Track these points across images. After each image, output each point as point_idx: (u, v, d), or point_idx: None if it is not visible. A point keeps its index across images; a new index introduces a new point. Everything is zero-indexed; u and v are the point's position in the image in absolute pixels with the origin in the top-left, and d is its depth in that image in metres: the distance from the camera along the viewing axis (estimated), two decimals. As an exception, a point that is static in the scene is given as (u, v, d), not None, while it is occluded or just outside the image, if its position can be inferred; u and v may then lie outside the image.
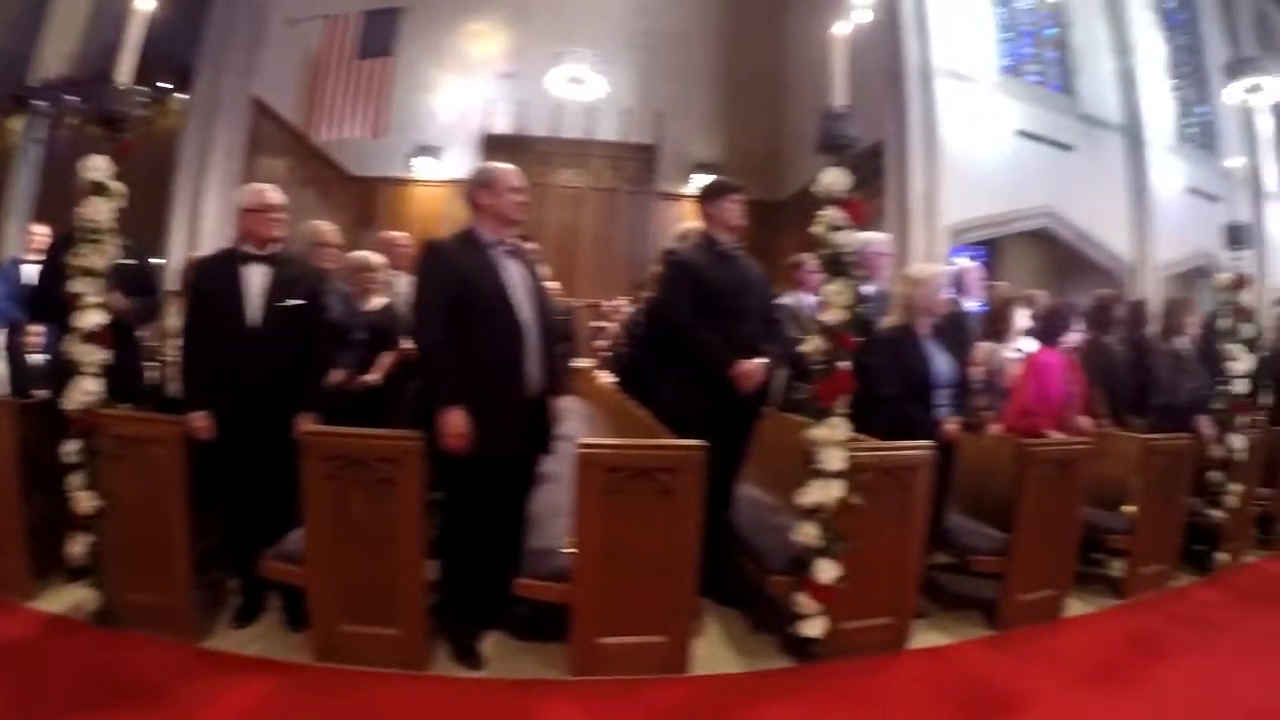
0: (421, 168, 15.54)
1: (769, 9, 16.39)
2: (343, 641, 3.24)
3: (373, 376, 4.84)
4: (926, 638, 3.90)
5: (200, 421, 3.36)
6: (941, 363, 4.17)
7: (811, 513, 3.39)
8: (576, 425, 6.97)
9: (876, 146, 12.26)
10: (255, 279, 3.55)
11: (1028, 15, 14.55)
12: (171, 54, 10.56)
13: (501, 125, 15.86)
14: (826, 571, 3.38)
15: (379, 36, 12.63)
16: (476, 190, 3.38)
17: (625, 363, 6.17)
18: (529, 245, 3.77)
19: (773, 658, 3.57)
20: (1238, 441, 5.36)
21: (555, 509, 3.70)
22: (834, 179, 3.42)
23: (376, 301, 5.06)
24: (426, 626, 3.29)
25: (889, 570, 3.65)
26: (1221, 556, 5.38)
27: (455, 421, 3.09)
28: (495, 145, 15.16)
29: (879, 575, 3.62)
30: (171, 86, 11.26)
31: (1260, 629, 4.46)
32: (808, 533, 3.39)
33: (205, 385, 3.46)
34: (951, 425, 4.10)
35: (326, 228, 4.85)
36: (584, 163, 16.20)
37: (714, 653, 3.56)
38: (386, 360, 4.92)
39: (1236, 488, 5.36)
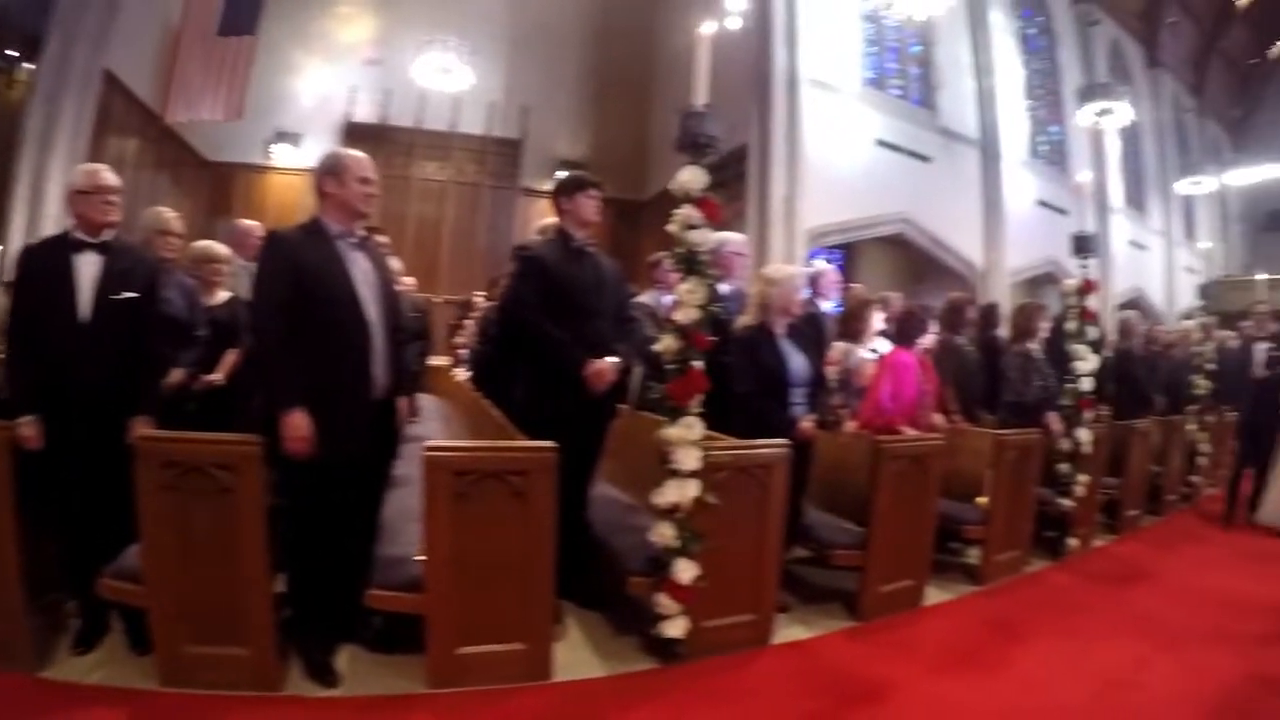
0: (280, 155, 14.86)
1: (640, 8, 16.48)
2: (190, 664, 2.99)
3: (215, 377, 4.50)
4: (789, 632, 3.94)
5: (27, 429, 3.04)
6: (797, 361, 4.22)
7: (668, 513, 3.36)
8: (433, 426, 6.84)
9: (741, 150, 12.56)
10: (87, 269, 3.23)
11: (894, 32, 15.17)
12: (20, 20, 9.85)
13: (364, 113, 15.39)
14: (685, 571, 3.35)
15: (242, 13, 12.06)
16: (324, 178, 3.17)
17: (480, 361, 6.03)
18: (379, 238, 3.61)
19: (636, 660, 3.51)
20: (1084, 435, 5.69)
21: (408, 515, 3.54)
22: (691, 177, 3.40)
23: (221, 295, 4.72)
24: (277, 644, 3.07)
25: (749, 567, 3.66)
26: (1072, 542, 5.72)
27: (297, 424, 2.91)
28: (357, 134, 14.63)
29: (739, 573, 3.62)
30: (18, 55, 10.46)
31: (1111, 608, 4.73)
32: (665, 533, 3.35)
33: (32, 387, 3.12)
34: (807, 423, 4.15)
35: (169, 214, 4.43)
36: (447, 155, 15.92)
37: (576, 657, 3.48)
38: (230, 359, 4.58)
39: (1084, 478, 5.70)
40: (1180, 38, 24.43)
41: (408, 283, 6.72)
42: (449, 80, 14.55)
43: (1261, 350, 7.25)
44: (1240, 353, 7.55)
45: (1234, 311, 7.87)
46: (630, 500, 4.48)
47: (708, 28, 3.43)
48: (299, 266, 3.02)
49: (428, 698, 3.05)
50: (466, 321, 8.27)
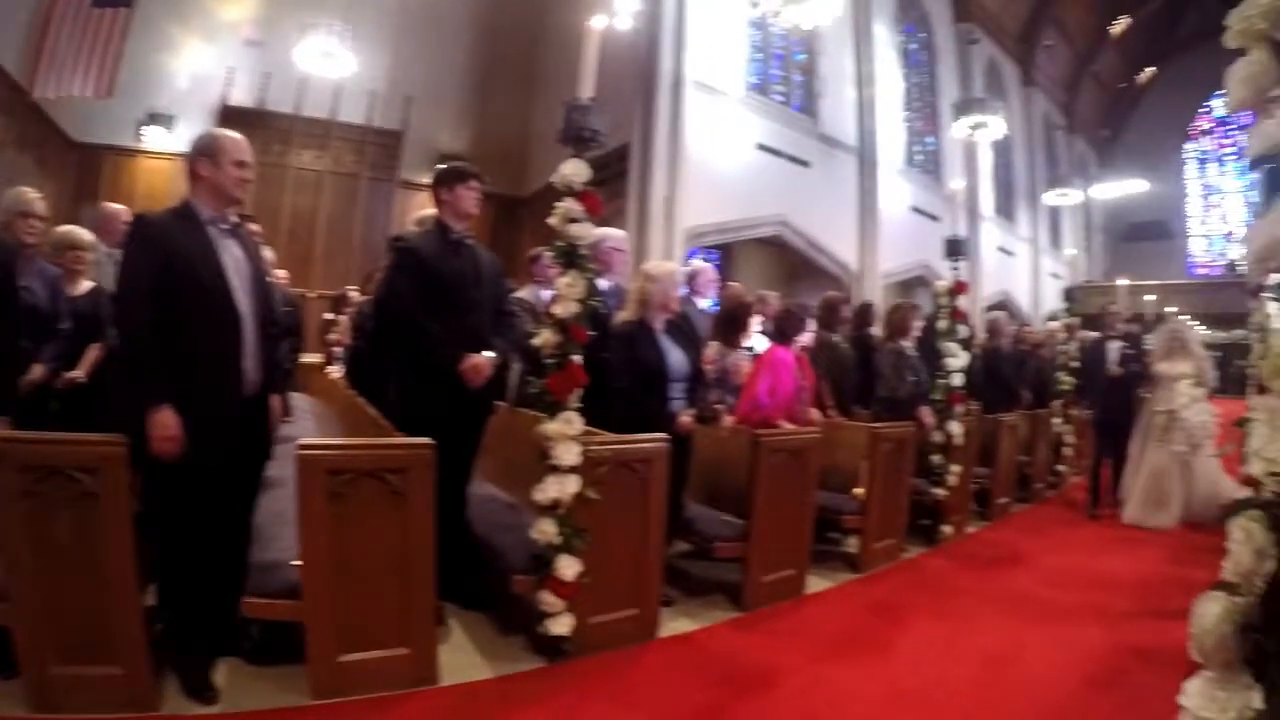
0: (152, 138, 13.83)
1: (530, 2, 16.26)
2: (60, 686, 2.76)
3: (77, 373, 4.24)
4: (675, 625, 3.97)
5: None
6: (676, 357, 4.25)
7: (549, 509, 3.34)
8: (307, 425, 6.62)
9: (623, 149, 12.64)
10: None
11: (780, 40, 15.58)
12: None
13: (242, 97, 14.50)
14: (569, 568, 3.34)
15: (118, -17, 11.24)
16: (197, 159, 3.00)
17: (354, 358, 5.88)
18: (252, 226, 3.45)
19: (523, 660, 3.46)
20: (955, 428, 5.98)
21: (283, 518, 3.39)
22: (574, 170, 3.39)
23: (84, 285, 4.44)
24: (151, 661, 2.86)
25: (632, 562, 3.67)
26: (946, 529, 6.01)
27: (165, 423, 2.74)
28: (233, 118, 13.59)
29: (622, 567, 3.64)
30: None
31: (986, 590, 4.96)
32: (546, 529, 3.33)
33: None
34: (686, 417, 4.20)
35: (31, 195, 4.12)
36: (325, 144, 15.27)
37: (462, 660, 3.40)
38: (93, 354, 4.32)
39: (956, 468, 6.00)
40: (1055, 60, 26.15)
41: (280, 275, 6.48)
42: (331, 66, 13.88)
43: (1115, 349, 7.48)
44: (1095, 350, 7.77)
45: (1096, 314, 8.34)
46: (510, 498, 4.43)
47: (598, 22, 3.43)
48: (168, 253, 2.85)
49: (311, 709, 2.92)
50: (340, 317, 7.98)
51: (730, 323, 5.17)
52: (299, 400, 7.95)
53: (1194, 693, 1.59)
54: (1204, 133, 31.86)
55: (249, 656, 3.19)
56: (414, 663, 3.12)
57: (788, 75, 15.93)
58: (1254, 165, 1.57)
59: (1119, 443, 7.37)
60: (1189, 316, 7.97)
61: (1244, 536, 1.53)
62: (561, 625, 3.39)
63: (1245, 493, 1.61)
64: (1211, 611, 1.56)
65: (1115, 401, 7.40)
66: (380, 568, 3.01)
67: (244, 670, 3.13)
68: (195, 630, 3.00)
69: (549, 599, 3.37)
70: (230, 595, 3.00)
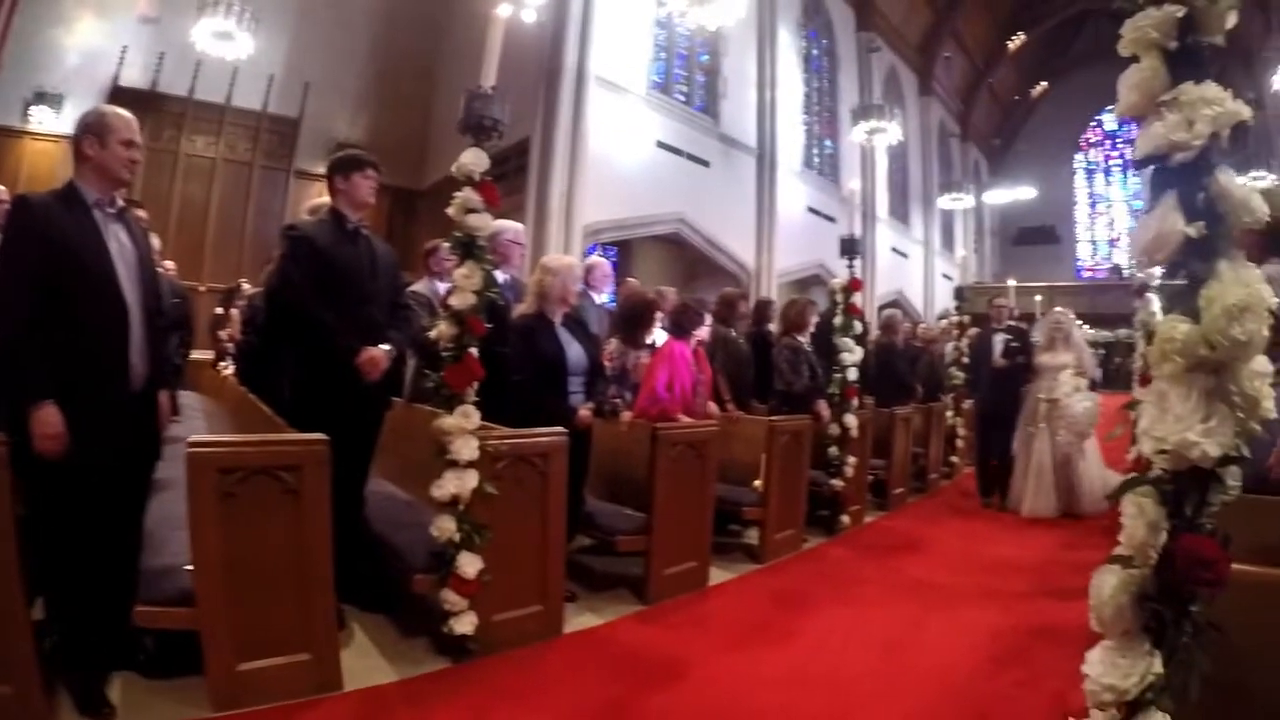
0: (39, 118, 12.94)
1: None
2: None
3: None
4: (580, 620, 3.97)
5: None
6: (575, 350, 4.26)
7: (449, 505, 3.29)
8: (197, 425, 6.36)
9: (523, 143, 12.57)
10: None
11: (685, 40, 15.72)
12: None
13: (134, 77, 13.64)
14: (470, 565, 3.29)
15: (6, -47, 10.48)
16: (84, 137, 2.81)
17: (247, 354, 5.68)
18: (138, 213, 3.27)
19: (428, 661, 3.40)
20: (851, 420, 6.14)
21: (174, 522, 3.22)
22: (473, 160, 3.35)
23: None
24: (43, 678, 2.66)
25: (534, 557, 3.66)
26: (845, 519, 6.20)
27: (47, 419, 2.57)
28: (125, 99, 12.35)
29: (524, 563, 3.62)
30: None
31: (886, 577, 5.10)
32: (446, 526, 3.27)
33: None
34: (585, 411, 4.21)
35: None
36: (219, 130, 14.61)
37: (366, 664, 3.30)
38: None
39: (852, 460, 6.15)
40: (953, 71, 27.28)
41: (169, 266, 6.21)
42: (228, 47, 13.21)
43: (1000, 341, 7.48)
44: (981, 343, 7.88)
45: (984, 313, 8.69)
46: (408, 497, 4.36)
47: (503, 10, 3.39)
48: (49, 237, 2.66)
49: None
50: (232, 311, 7.66)
51: (633, 320, 5.17)
52: (189, 399, 7.63)
53: (1096, 661, 1.66)
54: (1092, 145, 33.87)
55: (144, 670, 3.02)
56: (316, 668, 3.01)
57: (690, 75, 16.11)
58: (1140, 165, 1.66)
59: (1005, 435, 7.35)
60: (1075, 315, 7.92)
61: (1136, 510, 1.62)
62: (465, 624, 3.34)
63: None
64: (1109, 583, 1.64)
65: (1000, 394, 7.38)
66: (277, 570, 2.90)
67: (140, 684, 2.96)
68: (87, 643, 2.83)
69: (451, 597, 3.32)
70: (122, 605, 2.84)
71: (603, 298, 5.82)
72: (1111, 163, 33.40)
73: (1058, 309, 7.82)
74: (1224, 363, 1.49)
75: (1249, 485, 2.68)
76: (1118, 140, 32.35)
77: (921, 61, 25.62)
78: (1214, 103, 1.53)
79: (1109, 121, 32.44)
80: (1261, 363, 1.50)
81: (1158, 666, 1.57)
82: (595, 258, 7.00)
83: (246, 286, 7.44)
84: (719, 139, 16.29)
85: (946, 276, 26.42)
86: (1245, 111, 1.55)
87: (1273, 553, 1.88)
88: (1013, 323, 7.92)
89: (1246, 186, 1.55)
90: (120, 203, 2.91)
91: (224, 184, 14.58)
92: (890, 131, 19.34)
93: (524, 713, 3.02)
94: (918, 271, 26.11)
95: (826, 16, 20.97)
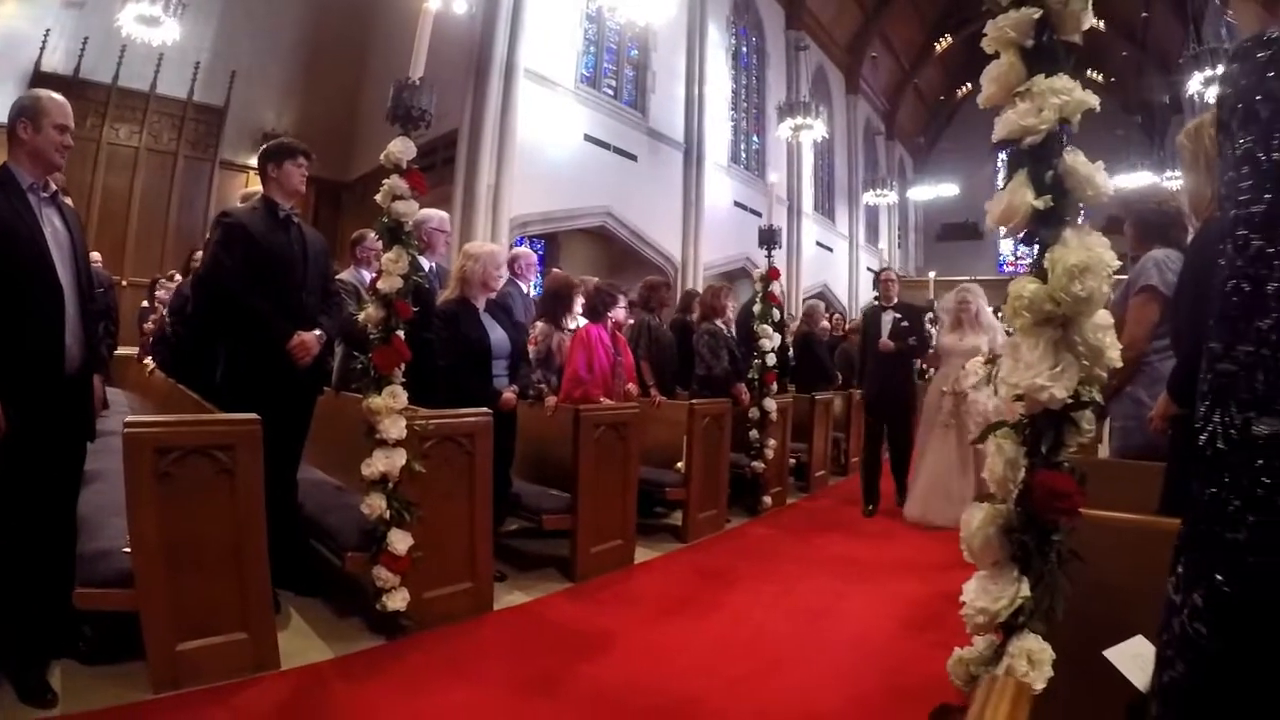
0: None
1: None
2: None
3: None
4: (510, 598, 4.09)
5: None
6: (498, 334, 4.33)
7: (378, 483, 3.38)
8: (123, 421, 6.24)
9: (451, 135, 12.48)
10: None
11: (615, 35, 15.81)
12: None
13: (57, 62, 12.98)
14: (400, 542, 3.38)
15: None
16: (19, 121, 2.80)
17: (174, 345, 5.63)
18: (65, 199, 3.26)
19: (363, 639, 3.47)
20: (770, 404, 6.35)
21: (110, 509, 3.25)
22: (401, 148, 3.46)
23: None
24: None
25: (463, 535, 3.76)
26: (767, 500, 6.42)
27: None
28: (47, 86, 11.62)
29: (454, 541, 3.72)
30: None
31: (809, 554, 5.31)
32: (376, 504, 3.36)
33: None
34: (509, 394, 4.28)
35: None
36: (143, 118, 14.04)
37: (303, 644, 3.36)
38: None
39: (773, 442, 6.34)
40: (880, 71, 27.80)
41: (95, 257, 6.07)
42: (154, 33, 12.56)
43: (889, 320, 6.55)
44: (870, 321, 6.81)
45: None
46: (339, 483, 4.41)
47: (434, 2, 3.47)
48: None
49: (154, 703, 2.80)
50: (159, 304, 7.50)
51: (555, 300, 5.29)
52: (115, 396, 7.43)
53: (971, 590, 1.83)
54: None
55: (84, 657, 3.02)
56: (254, 647, 3.06)
57: (620, 70, 16.19)
58: (999, 147, 1.86)
59: (895, 430, 6.60)
60: (996, 309, 6.28)
61: (996, 449, 1.82)
62: (397, 600, 3.43)
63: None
64: (977, 517, 1.82)
65: (886, 382, 6.52)
66: (213, 549, 2.95)
67: (81, 671, 2.97)
68: (26, 631, 2.82)
69: (383, 574, 3.41)
70: (59, 590, 2.84)
71: (528, 286, 5.90)
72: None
73: (965, 281, 6.76)
74: (1069, 317, 1.68)
75: (1143, 453, 2.93)
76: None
77: (849, 61, 26.08)
78: (1061, 92, 1.72)
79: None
80: (1103, 316, 1.70)
81: (1025, 591, 1.73)
82: (520, 248, 7.07)
83: (178, 277, 7.30)
84: (647, 133, 16.42)
85: (871, 270, 27.04)
86: (1092, 100, 1.75)
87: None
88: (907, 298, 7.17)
89: (1091, 166, 1.75)
90: (54, 187, 2.92)
91: (147, 174, 14.03)
92: (816, 128, 19.71)
93: (457, 685, 3.11)
94: (843, 265, 26.67)
95: (756, 14, 21.23)
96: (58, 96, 2.93)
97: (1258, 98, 0.76)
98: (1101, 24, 21.71)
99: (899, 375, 6.60)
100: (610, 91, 15.81)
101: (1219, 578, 0.74)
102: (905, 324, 6.50)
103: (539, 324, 5.28)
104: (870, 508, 6.58)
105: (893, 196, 27.51)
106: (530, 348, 4.98)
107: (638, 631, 3.73)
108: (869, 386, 6.79)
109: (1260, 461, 0.70)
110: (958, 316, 6.27)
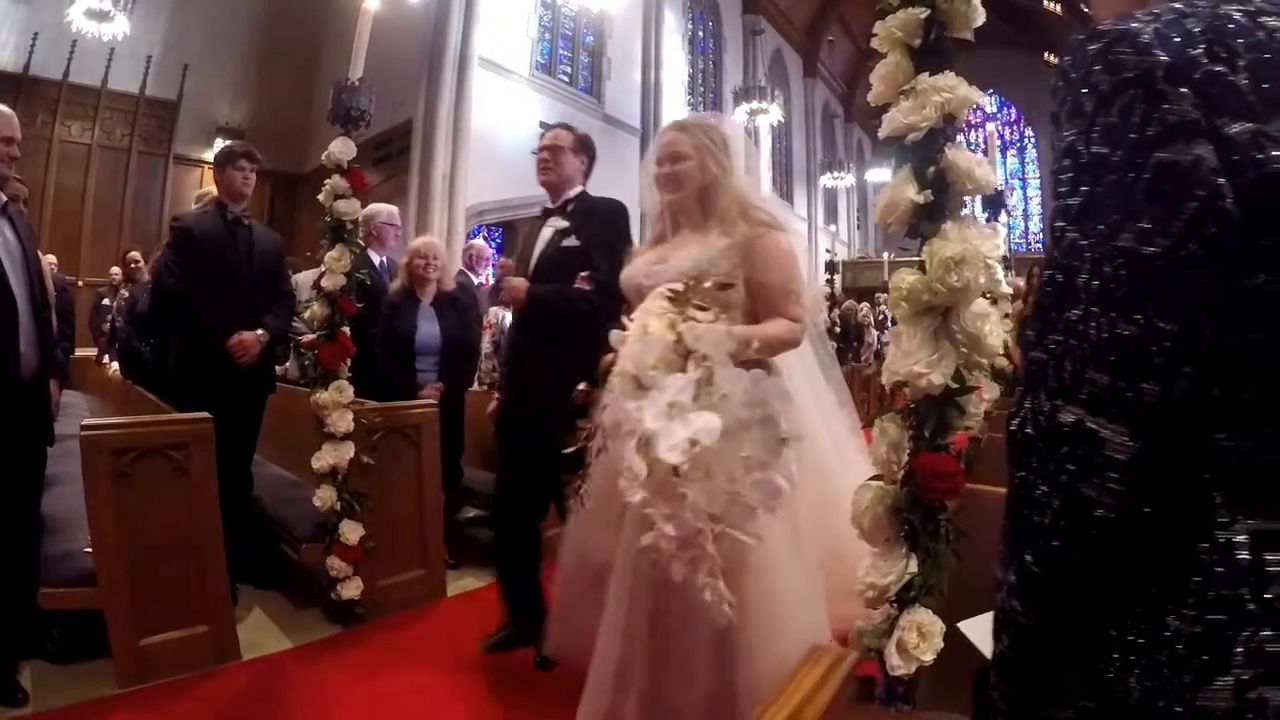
0: None
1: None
2: None
3: None
4: (463, 584, 4.18)
5: None
6: (427, 330, 4.33)
7: (328, 476, 3.48)
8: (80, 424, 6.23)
9: (406, 125, 12.50)
10: None
11: (570, 22, 15.80)
12: None
13: (6, 59, 12.77)
14: (352, 532, 3.48)
15: None
16: None
17: (129, 345, 5.64)
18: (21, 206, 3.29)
19: (320, 628, 3.57)
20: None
21: (71, 512, 3.32)
22: (342, 148, 3.54)
23: None
24: None
25: (414, 524, 3.86)
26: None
27: None
28: None
29: (405, 530, 3.82)
30: None
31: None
32: (327, 496, 3.46)
33: None
34: (430, 389, 4.26)
35: None
36: (95, 114, 13.79)
37: (262, 636, 3.46)
38: None
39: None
40: (837, 55, 27.83)
41: (50, 260, 6.05)
42: (105, 27, 12.43)
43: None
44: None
45: (865, 286, 8.96)
46: (294, 477, 4.46)
47: (372, 3, 3.51)
48: None
49: (121, 698, 2.89)
50: (118, 302, 7.44)
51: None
52: (73, 398, 7.37)
53: (865, 567, 1.93)
54: (972, 126, 35.09)
55: (52, 657, 3.11)
56: (214, 639, 3.16)
57: (575, 56, 16.20)
58: (886, 143, 1.96)
59: None
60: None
61: (880, 433, 1.93)
62: (351, 589, 3.53)
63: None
64: (866, 497, 1.92)
65: None
66: (172, 545, 3.03)
67: (50, 670, 3.07)
68: None
69: (336, 564, 3.50)
70: (26, 592, 2.90)
71: (481, 279, 5.96)
72: (985, 145, 34.73)
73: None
74: (948, 306, 1.79)
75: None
76: (997, 123, 33.73)
77: (807, 44, 26.16)
78: (944, 90, 1.82)
79: (988, 104, 33.73)
80: (981, 305, 1.81)
81: (913, 566, 1.83)
82: (475, 241, 7.10)
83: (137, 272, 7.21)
84: (603, 119, 16.39)
85: (829, 251, 27.23)
86: (977, 96, 1.86)
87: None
88: None
89: (973, 159, 1.86)
90: (3, 198, 2.93)
91: (100, 171, 13.78)
92: (772, 112, 19.81)
93: (413, 667, 3.21)
94: (800, 247, 26.80)
95: (713, -1, 21.29)
96: (4, 108, 2.94)
97: (1083, 91, 0.77)
98: (1057, 7, 22.12)
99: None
100: (566, 78, 15.82)
101: (1028, 558, 0.77)
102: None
103: (494, 309, 5.33)
104: None
105: (851, 179, 27.66)
106: (485, 333, 5.02)
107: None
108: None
109: (1065, 449, 0.72)
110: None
